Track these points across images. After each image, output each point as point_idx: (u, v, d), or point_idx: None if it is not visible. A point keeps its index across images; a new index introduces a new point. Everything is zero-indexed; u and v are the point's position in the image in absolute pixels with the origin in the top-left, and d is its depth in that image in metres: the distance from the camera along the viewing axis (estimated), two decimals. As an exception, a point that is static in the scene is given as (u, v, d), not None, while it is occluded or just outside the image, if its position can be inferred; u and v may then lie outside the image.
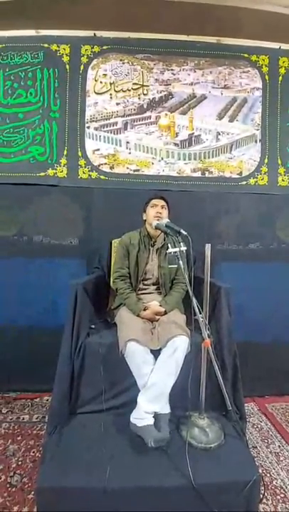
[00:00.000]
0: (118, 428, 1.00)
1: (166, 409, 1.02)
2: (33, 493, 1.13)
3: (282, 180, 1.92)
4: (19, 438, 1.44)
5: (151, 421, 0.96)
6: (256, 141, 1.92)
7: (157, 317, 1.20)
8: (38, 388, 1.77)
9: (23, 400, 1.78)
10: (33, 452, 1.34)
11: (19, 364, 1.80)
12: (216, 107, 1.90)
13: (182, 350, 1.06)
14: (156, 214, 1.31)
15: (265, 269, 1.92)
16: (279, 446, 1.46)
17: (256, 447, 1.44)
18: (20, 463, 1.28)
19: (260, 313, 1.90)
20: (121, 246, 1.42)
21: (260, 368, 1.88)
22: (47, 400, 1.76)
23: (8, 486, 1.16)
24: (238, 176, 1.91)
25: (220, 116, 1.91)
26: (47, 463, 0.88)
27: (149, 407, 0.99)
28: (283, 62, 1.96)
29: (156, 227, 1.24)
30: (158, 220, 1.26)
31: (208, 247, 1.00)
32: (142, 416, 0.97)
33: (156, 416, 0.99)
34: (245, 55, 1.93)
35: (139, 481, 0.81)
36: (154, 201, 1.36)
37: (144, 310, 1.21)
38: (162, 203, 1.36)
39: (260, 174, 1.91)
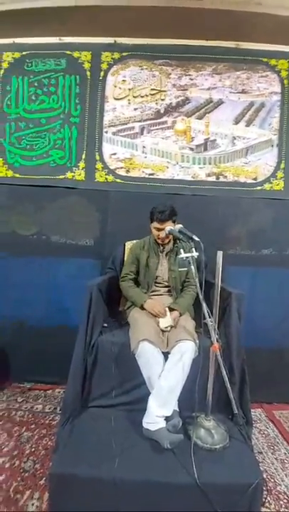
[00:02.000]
0: (127, 423, 1.06)
1: (176, 407, 1.06)
2: (44, 479, 1.20)
3: (298, 185, 1.90)
4: (33, 426, 1.53)
5: (163, 424, 1.00)
6: (272, 146, 1.90)
7: (168, 318, 1.23)
8: (51, 381, 1.86)
9: (36, 390, 1.87)
10: (46, 440, 1.43)
11: (35, 357, 1.89)
12: (232, 111, 1.91)
13: (189, 355, 1.09)
14: (157, 239, 1.38)
15: (279, 274, 1.90)
16: (285, 453, 1.46)
17: (262, 453, 1.45)
18: (33, 449, 1.37)
19: (270, 320, 1.89)
20: (131, 253, 1.50)
21: (269, 375, 1.87)
22: (59, 392, 1.84)
23: (21, 470, 1.25)
24: (253, 181, 1.90)
25: (236, 121, 1.91)
26: (60, 451, 0.94)
27: (160, 411, 1.03)
28: (303, 66, 1.93)
29: (170, 233, 1.28)
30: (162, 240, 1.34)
31: (220, 254, 1.03)
32: (154, 420, 1.01)
33: (167, 418, 1.03)
34: (264, 60, 1.92)
35: (147, 475, 0.86)
36: (156, 225, 1.35)
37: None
38: (164, 226, 1.32)
39: (276, 179, 1.90)
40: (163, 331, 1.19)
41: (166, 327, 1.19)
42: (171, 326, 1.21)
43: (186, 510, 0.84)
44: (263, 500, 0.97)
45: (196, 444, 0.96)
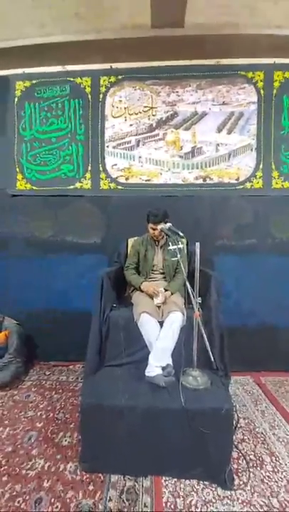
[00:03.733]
0: (134, 375, 1.40)
1: (169, 362, 1.40)
2: (73, 424, 1.58)
3: (276, 183, 2.18)
4: (60, 391, 1.91)
5: (160, 371, 1.35)
6: (252, 150, 2.19)
7: (160, 296, 1.57)
8: (71, 359, 2.24)
9: (60, 366, 2.25)
10: (71, 400, 1.80)
11: (56, 340, 2.25)
12: (215, 121, 2.20)
13: (178, 323, 1.43)
14: (153, 236, 1.71)
15: (261, 261, 2.20)
16: (266, 406, 1.79)
17: (245, 405, 1.78)
18: (62, 405, 1.75)
19: (255, 301, 2.19)
20: (132, 248, 1.85)
21: (256, 349, 2.18)
22: (78, 367, 2.22)
23: (55, 419, 1.63)
24: (235, 181, 2.20)
25: (219, 130, 2.20)
26: (86, 393, 1.30)
27: (157, 363, 1.37)
28: (278, 76, 2.19)
29: (162, 230, 1.61)
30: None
31: (197, 244, 1.35)
32: (152, 369, 1.35)
33: (163, 368, 1.37)
34: (242, 73, 2.20)
35: (148, 403, 1.20)
36: (151, 225, 1.69)
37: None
38: (157, 226, 1.64)
39: (256, 178, 2.19)
40: (158, 307, 1.53)
41: (158, 303, 1.53)
42: (163, 303, 1.55)
43: (177, 428, 1.19)
44: (236, 424, 1.31)
45: (184, 386, 1.30)
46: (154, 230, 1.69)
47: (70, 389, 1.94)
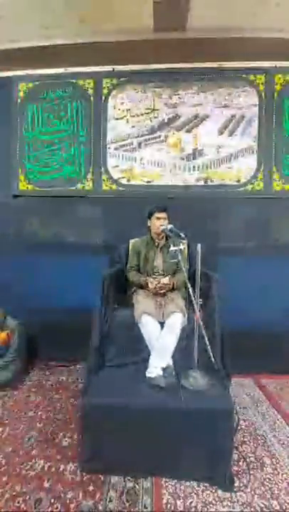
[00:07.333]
0: (134, 376, 1.40)
1: (170, 363, 1.40)
2: (73, 424, 1.58)
3: (277, 185, 2.19)
4: (60, 391, 1.91)
5: (160, 372, 1.35)
6: (253, 152, 2.20)
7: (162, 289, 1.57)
8: (71, 359, 2.24)
9: (60, 367, 2.25)
10: (72, 400, 1.80)
11: (56, 340, 2.25)
12: (217, 124, 2.21)
13: (178, 323, 1.44)
14: (160, 226, 1.70)
15: (263, 262, 2.20)
16: (266, 408, 1.78)
17: (246, 408, 1.78)
18: (62, 406, 1.75)
19: (256, 303, 2.18)
20: (133, 249, 1.87)
21: (258, 352, 2.16)
22: (78, 368, 2.21)
23: (55, 419, 1.63)
24: (236, 183, 2.21)
25: (220, 132, 2.21)
26: (87, 394, 1.30)
27: (158, 363, 1.38)
28: (279, 78, 2.21)
29: (163, 231, 1.62)
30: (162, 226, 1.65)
31: (199, 246, 1.35)
32: (153, 370, 1.36)
33: (164, 369, 1.38)
34: (244, 76, 2.21)
35: (147, 404, 1.21)
36: (157, 215, 1.72)
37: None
38: (164, 215, 1.70)
39: (257, 180, 2.19)
40: (160, 307, 1.55)
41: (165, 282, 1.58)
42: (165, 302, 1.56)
43: (177, 429, 1.19)
44: (237, 426, 1.31)
45: (184, 387, 1.30)
46: (159, 219, 1.68)
47: (70, 389, 1.94)
